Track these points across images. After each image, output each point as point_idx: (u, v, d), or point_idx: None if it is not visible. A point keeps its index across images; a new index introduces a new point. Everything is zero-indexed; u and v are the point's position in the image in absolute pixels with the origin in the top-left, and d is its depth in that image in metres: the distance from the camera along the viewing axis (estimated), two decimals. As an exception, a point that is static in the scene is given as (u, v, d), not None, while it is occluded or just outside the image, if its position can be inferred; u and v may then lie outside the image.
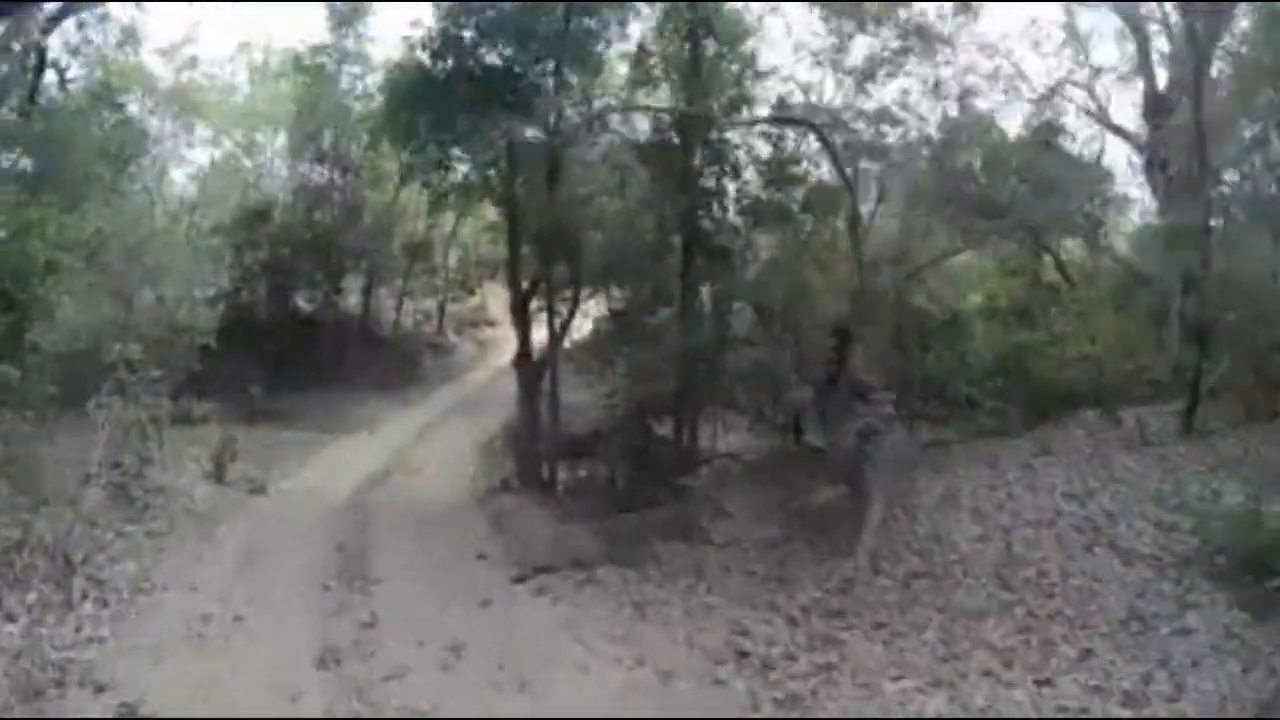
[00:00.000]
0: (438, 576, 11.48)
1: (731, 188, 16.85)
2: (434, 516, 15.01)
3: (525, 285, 17.30)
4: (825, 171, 17.45)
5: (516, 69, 15.61)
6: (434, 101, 15.00)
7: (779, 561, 12.01)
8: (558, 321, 17.13)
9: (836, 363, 14.60)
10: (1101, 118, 21.86)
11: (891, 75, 16.78)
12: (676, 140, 16.24)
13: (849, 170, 15.84)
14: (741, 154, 16.87)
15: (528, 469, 16.32)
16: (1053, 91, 19.75)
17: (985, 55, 17.70)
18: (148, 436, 13.02)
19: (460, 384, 28.86)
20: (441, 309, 32.15)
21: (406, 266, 30.08)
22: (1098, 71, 21.83)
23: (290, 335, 26.55)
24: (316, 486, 16.91)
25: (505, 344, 34.56)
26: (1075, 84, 21.48)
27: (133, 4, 22.95)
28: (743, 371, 15.95)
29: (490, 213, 28.95)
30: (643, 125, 17.07)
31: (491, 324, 35.81)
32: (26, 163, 16.17)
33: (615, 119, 16.53)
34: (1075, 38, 21.96)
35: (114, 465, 12.39)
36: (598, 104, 16.36)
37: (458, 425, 23.01)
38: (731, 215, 16.69)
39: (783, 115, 16.47)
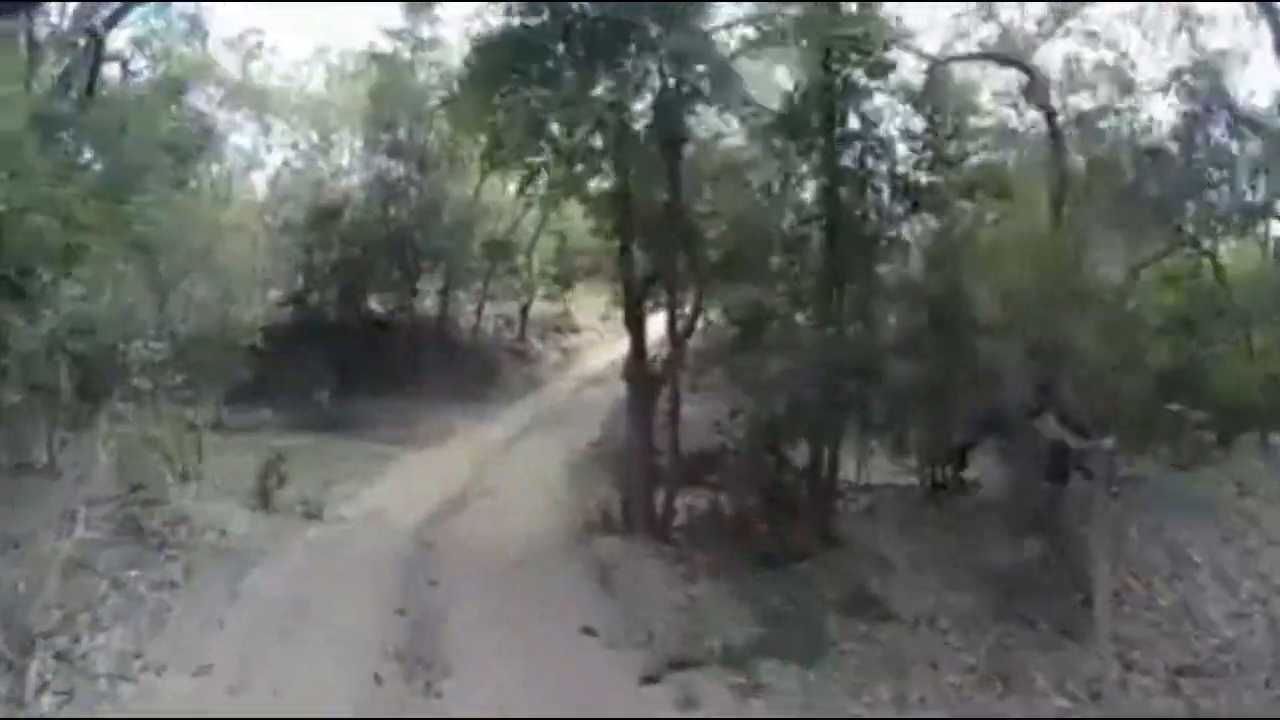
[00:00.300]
0: (532, 666, 8.69)
1: (882, 167, 13.92)
2: (521, 563, 12.29)
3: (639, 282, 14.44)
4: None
5: (624, 22, 12.84)
6: (530, 57, 12.42)
7: (996, 649, 9.04)
8: (679, 324, 14.33)
9: (1038, 384, 11.43)
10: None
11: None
12: (819, 108, 13.39)
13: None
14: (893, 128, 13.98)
15: (637, 502, 13.50)
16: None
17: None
18: (170, 454, 10.64)
19: (543, 394, 26.41)
20: (524, 313, 29.76)
21: (487, 267, 27.80)
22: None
23: (362, 339, 24.47)
24: (382, 512, 14.49)
25: (590, 352, 32.46)
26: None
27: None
28: (900, 389, 12.88)
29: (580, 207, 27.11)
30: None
31: (576, 330, 33.47)
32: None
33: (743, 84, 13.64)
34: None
35: (133, 489, 10.07)
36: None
37: (542, 441, 20.48)
38: (884, 198, 13.76)
39: (997, 54, 13.50)
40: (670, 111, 13.06)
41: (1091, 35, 15.85)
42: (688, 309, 14.41)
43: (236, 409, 20.42)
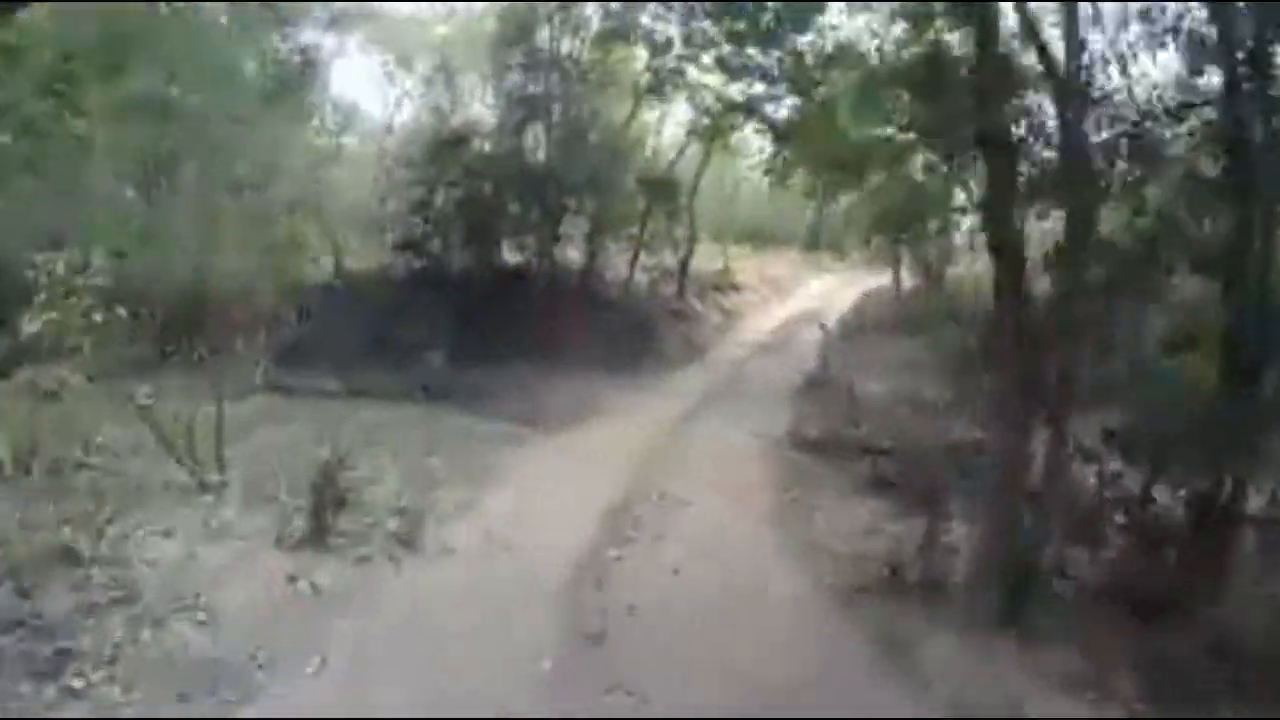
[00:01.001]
0: None
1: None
2: (762, 652, 7.16)
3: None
4: None
5: None
6: None
7: None
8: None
9: None
10: None
11: None
12: None
13: None
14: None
15: (986, 558, 7.97)
16: None
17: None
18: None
19: (706, 363, 21.22)
20: (684, 267, 24.63)
21: (643, 208, 22.79)
22: None
23: (490, 291, 19.96)
24: (511, 537, 9.55)
25: (752, 315, 27.20)
26: None
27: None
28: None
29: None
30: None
31: (737, 288, 28.31)
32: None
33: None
34: None
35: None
36: None
37: (718, 426, 15.31)
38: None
39: None
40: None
41: None
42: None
43: (324, 371, 16.50)
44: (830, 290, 31.23)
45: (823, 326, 21.41)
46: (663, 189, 22.62)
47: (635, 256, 23.12)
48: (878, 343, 21.29)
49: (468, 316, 18.63)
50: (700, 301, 25.40)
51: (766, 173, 21.73)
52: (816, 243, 36.30)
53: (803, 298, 30.59)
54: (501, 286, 20.35)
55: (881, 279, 28.20)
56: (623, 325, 20.70)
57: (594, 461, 12.73)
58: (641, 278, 23.68)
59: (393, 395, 16.16)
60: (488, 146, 21.68)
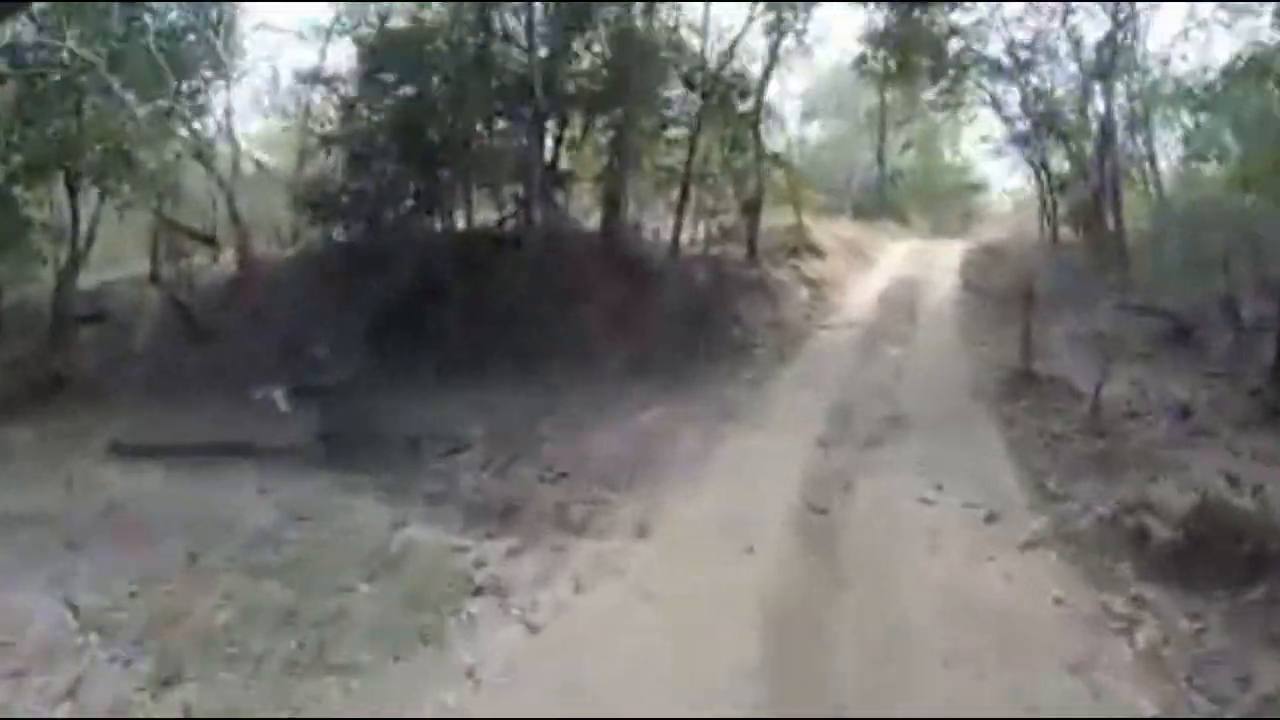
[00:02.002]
0: None
1: None
2: None
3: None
4: None
5: None
6: None
7: None
8: None
9: None
10: None
11: None
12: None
13: None
14: None
15: None
16: None
17: None
18: None
19: (814, 360, 13.04)
20: (753, 221, 16.65)
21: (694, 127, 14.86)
22: None
23: (453, 267, 12.16)
24: None
25: (845, 284, 19.25)
26: None
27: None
28: None
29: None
30: None
31: (818, 252, 20.34)
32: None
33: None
34: None
35: None
36: None
37: (896, 489, 7.41)
38: None
39: None
40: None
41: None
42: None
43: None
44: (919, 253, 24.24)
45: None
46: (722, 94, 14.66)
47: (681, 203, 15.16)
48: (1057, 313, 13.41)
49: (421, 310, 10.93)
50: (775, 267, 17.44)
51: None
52: (871, 209, 29.17)
53: (892, 263, 23.09)
54: (473, 258, 12.53)
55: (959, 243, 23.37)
56: (674, 303, 12.84)
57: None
58: (691, 237, 15.77)
59: (281, 453, 8.59)
60: (443, 43, 13.78)
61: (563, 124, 13.60)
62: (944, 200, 32.98)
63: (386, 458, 8.55)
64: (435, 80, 12.80)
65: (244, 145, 16.45)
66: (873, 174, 30.23)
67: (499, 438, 8.97)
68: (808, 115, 33.15)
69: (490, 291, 11.43)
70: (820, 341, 14.13)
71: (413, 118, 12.72)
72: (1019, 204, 29.31)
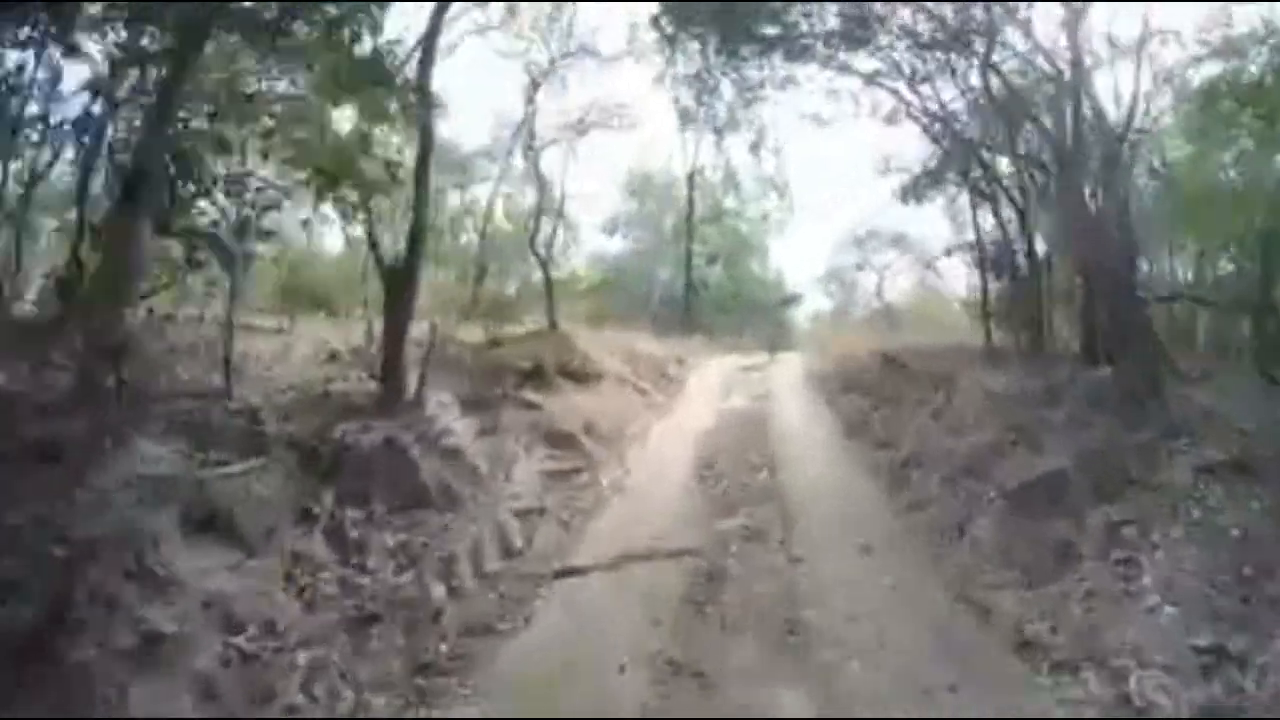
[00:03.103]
0: None
1: None
2: None
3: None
4: None
5: None
6: None
7: None
8: None
9: None
10: None
11: None
12: None
13: None
14: None
15: None
16: None
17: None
18: None
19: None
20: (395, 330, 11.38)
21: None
22: None
23: None
24: None
25: (623, 439, 13.75)
26: None
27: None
28: None
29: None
30: None
31: (581, 376, 16.25)
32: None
33: None
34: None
35: None
36: None
37: None
38: None
39: None
40: None
41: None
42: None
43: None
44: (745, 372, 21.41)
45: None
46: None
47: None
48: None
49: None
50: (479, 412, 11.97)
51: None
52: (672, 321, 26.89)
53: (707, 386, 19.39)
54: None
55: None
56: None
57: None
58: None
59: None
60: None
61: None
62: (757, 313, 31.00)
63: None
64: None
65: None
66: (676, 285, 29.15)
67: None
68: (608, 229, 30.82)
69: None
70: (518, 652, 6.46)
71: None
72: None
